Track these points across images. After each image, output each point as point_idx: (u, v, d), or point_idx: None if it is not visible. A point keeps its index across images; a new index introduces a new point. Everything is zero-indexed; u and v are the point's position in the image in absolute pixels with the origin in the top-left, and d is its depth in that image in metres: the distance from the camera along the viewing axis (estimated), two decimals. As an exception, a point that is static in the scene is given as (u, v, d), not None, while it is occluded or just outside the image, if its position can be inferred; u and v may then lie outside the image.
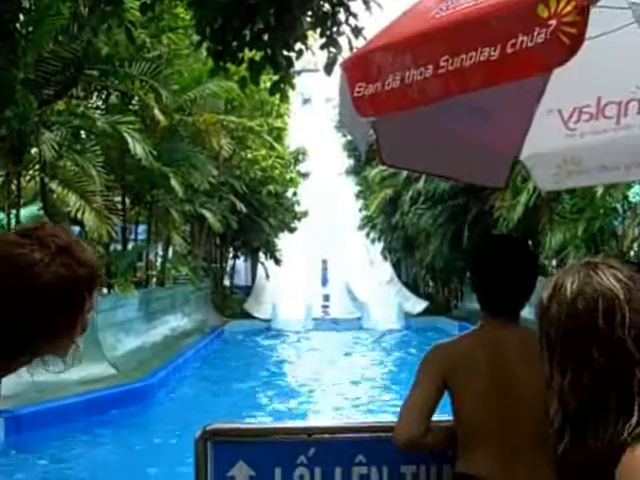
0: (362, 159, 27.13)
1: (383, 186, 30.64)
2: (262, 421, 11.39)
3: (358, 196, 40.88)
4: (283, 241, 36.12)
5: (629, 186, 14.95)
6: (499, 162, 3.50)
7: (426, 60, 2.22)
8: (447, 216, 24.92)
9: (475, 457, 2.63)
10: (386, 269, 39.87)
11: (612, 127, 3.27)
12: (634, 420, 1.51)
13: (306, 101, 52.94)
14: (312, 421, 9.21)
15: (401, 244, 33.02)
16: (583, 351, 1.56)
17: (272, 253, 34.76)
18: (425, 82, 2.22)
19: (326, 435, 3.13)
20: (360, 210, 40.27)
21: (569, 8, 1.94)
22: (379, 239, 37.05)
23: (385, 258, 39.27)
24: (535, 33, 1.99)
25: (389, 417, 3.35)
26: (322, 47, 6.31)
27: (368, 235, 38.41)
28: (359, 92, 2.40)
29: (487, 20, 2.14)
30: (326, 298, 36.45)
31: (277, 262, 34.93)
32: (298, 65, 6.75)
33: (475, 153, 3.31)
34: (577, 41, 1.95)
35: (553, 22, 1.95)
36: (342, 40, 6.38)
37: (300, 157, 34.87)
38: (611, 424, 1.53)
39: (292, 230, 35.30)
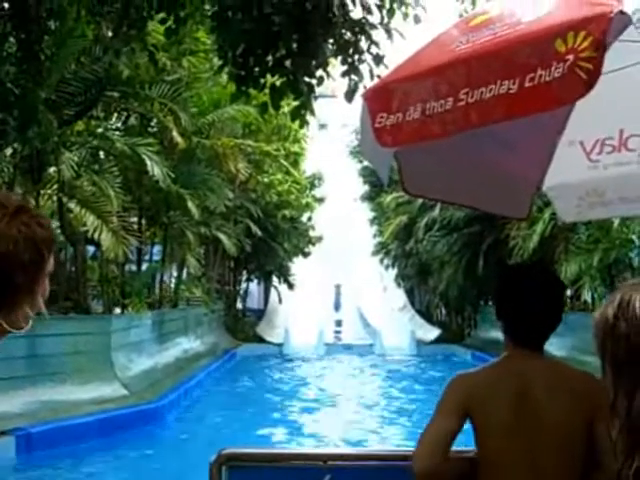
0: (384, 186, 27.27)
1: (398, 213, 30.67)
2: (275, 446, 11.33)
3: (372, 222, 40.89)
4: (297, 265, 36.13)
5: (645, 218, 14.89)
6: (521, 192, 3.50)
7: (446, 92, 2.24)
8: (462, 244, 24.85)
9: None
10: (399, 296, 39.78)
11: (635, 160, 3.28)
12: None
13: (322, 126, 53.14)
14: (328, 448, 9.14)
15: (415, 271, 32.95)
16: None
17: (285, 277, 34.76)
18: (445, 114, 2.23)
19: (342, 462, 3.12)
20: (374, 236, 40.27)
21: (586, 44, 1.96)
22: (393, 265, 36.97)
23: (398, 285, 39.19)
24: (553, 67, 2.00)
25: (405, 446, 3.33)
26: (343, 74, 6.36)
27: (382, 261, 38.36)
28: (380, 122, 2.41)
29: (506, 54, 2.17)
30: (338, 323, 36.42)
31: (290, 286, 34.91)
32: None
33: (498, 183, 3.32)
34: (593, 76, 1.96)
35: (570, 57, 1.97)
36: (363, 67, 6.43)
37: (316, 182, 34.97)
38: None
39: (306, 255, 35.30)
